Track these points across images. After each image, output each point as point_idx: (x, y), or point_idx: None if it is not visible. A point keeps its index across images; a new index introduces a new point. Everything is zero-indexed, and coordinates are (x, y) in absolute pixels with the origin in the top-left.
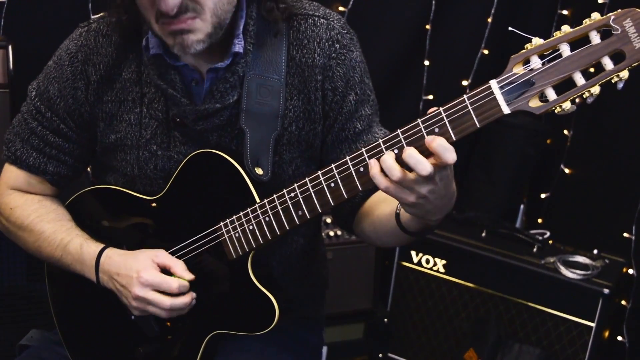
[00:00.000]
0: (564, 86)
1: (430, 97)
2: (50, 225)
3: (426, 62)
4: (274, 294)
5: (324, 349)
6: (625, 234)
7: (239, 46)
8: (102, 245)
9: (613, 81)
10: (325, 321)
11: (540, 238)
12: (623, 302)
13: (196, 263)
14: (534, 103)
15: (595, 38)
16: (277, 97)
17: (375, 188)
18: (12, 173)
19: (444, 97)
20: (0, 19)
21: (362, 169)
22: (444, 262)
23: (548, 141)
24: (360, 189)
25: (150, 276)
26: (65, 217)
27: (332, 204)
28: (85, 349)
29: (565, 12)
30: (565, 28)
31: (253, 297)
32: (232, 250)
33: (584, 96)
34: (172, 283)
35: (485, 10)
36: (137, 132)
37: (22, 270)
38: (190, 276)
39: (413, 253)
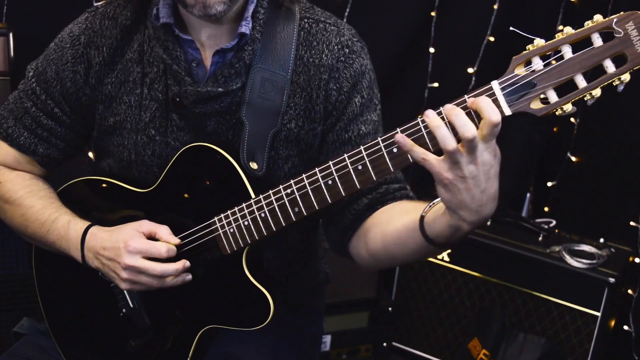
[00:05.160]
0: (565, 87)
1: (436, 84)
2: (41, 201)
3: (431, 50)
4: (269, 290)
5: (328, 338)
6: (631, 223)
7: (246, 27)
8: (88, 223)
9: (614, 84)
10: (330, 310)
11: (546, 227)
12: (629, 291)
13: (191, 257)
14: (535, 105)
15: (597, 40)
16: (280, 94)
17: (371, 189)
18: (2, 149)
19: (449, 84)
20: (3, 6)
21: (360, 167)
22: (448, 250)
23: (555, 129)
24: (359, 187)
25: (138, 243)
26: (55, 196)
27: (330, 201)
28: (75, 342)
29: None
30: (568, 30)
31: (248, 292)
32: (226, 246)
33: (585, 98)
34: (161, 247)
35: None
36: (136, 114)
37: (24, 258)
38: (177, 240)
39: None
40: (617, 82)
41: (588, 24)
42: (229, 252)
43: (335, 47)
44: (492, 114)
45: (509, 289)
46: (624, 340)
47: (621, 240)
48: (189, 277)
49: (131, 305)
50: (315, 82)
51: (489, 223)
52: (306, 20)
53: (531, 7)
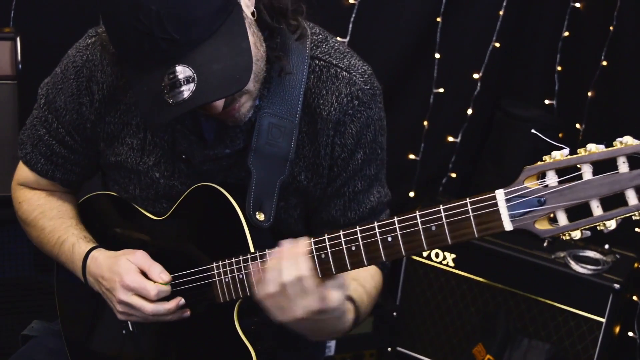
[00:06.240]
0: (577, 209)
1: (441, 90)
2: (51, 223)
3: (437, 55)
4: (255, 346)
5: (333, 343)
6: (637, 229)
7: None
8: (90, 246)
9: (634, 218)
10: None
11: None
12: (634, 298)
13: (186, 298)
14: (541, 225)
15: (622, 165)
16: (288, 140)
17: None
18: (24, 172)
19: (455, 90)
20: (10, 10)
21: (353, 248)
22: (453, 256)
23: (560, 135)
24: (350, 268)
25: (131, 280)
26: (68, 214)
27: (320, 275)
28: (83, 350)
29: (577, 4)
30: (591, 147)
31: (234, 345)
32: (220, 294)
33: (598, 227)
34: (151, 290)
35: (496, 3)
36: (138, 157)
37: (29, 261)
38: (168, 278)
39: None
40: (637, 217)
41: (616, 144)
42: (222, 301)
43: (345, 99)
44: (299, 268)
45: (514, 294)
46: (628, 346)
47: (626, 246)
48: (187, 313)
49: (130, 329)
50: (322, 137)
51: None
52: (317, 62)
53: (537, 13)
